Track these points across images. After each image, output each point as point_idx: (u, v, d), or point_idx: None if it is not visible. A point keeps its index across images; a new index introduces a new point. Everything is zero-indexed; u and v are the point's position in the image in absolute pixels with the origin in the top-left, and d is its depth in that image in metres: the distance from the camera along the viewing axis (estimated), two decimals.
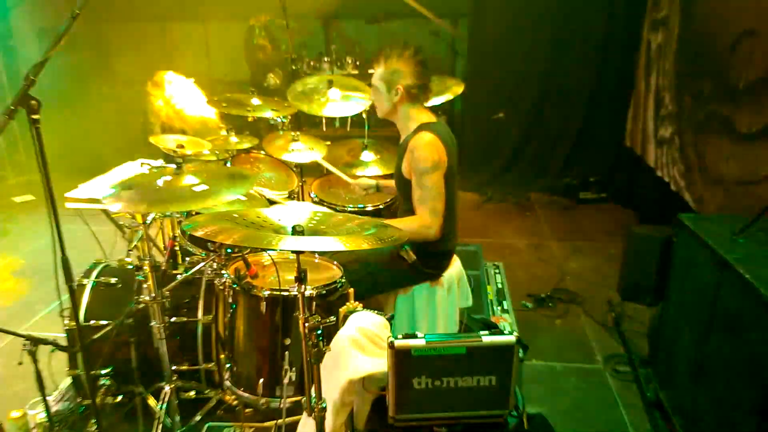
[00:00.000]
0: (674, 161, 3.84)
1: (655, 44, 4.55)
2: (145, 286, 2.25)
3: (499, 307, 3.40)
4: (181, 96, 3.18)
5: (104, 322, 2.34)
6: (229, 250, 2.41)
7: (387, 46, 2.33)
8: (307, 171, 3.39)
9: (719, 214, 3.29)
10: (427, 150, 2.26)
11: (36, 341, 2.05)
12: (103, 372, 2.34)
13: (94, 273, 2.47)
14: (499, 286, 3.69)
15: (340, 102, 3.24)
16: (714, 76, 3.44)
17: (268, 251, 2.30)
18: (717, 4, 3.55)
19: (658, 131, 4.33)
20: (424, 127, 2.32)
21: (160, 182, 2.11)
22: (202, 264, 2.44)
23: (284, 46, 5.68)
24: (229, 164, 3.06)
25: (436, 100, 3.25)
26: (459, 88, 3.48)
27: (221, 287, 2.33)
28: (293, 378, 1.98)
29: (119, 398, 2.37)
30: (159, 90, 3.22)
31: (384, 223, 2.18)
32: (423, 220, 2.30)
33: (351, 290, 2.20)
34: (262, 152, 3.21)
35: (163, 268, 2.53)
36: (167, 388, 2.32)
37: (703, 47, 3.64)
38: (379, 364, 1.82)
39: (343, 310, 2.04)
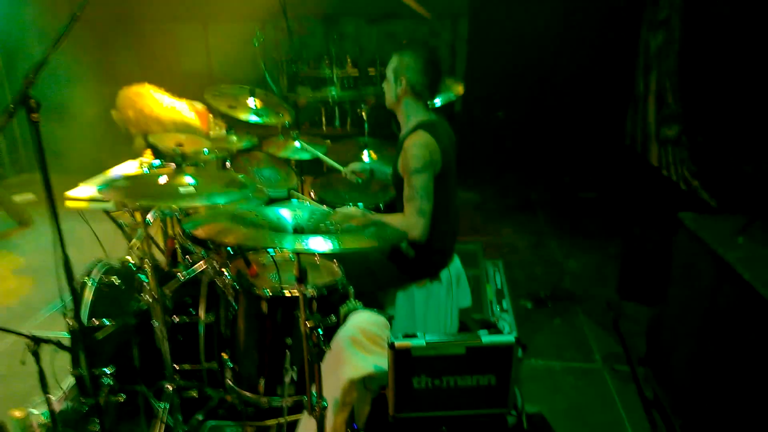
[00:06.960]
0: (683, 161, 3.84)
1: (655, 45, 4.55)
2: (146, 285, 2.26)
3: (499, 307, 3.41)
4: (150, 111, 3.04)
5: (107, 322, 2.35)
6: (229, 249, 2.41)
7: (407, 42, 2.36)
8: (306, 170, 3.39)
9: (719, 215, 3.29)
10: (419, 150, 2.26)
11: (39, 341, 2.06)
12: (106, 371, 2.35)
13: (96, 272, 2.47)
14: (499, 285, 3.69)
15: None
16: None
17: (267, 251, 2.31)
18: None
19: (661, 131, 4.32)
20: (421, 126, 2.33)
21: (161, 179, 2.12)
22: (202, 263, 2.45)
23: (284, 47, 5.68)
24: (228, 163, 3.06)
25: (435, 101, 3.25)
26: (459, 88, 3.48)
27: (222, 287, 2.34)
28: (294, 377, 2.00)
29: (122, 397, 2.37)
30: (124, 113, 3.05)
31: (378, 221, 2.18)
32: (408, 219, 2.30)
33: (351, 289, 2.21)
34: (262, 151, 3.21)
35: (163, 267, 2.54)
36: (169, 388, 2.33)
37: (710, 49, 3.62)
38: (379, 363, 1.83)
39: (343, 309, 2.05)
